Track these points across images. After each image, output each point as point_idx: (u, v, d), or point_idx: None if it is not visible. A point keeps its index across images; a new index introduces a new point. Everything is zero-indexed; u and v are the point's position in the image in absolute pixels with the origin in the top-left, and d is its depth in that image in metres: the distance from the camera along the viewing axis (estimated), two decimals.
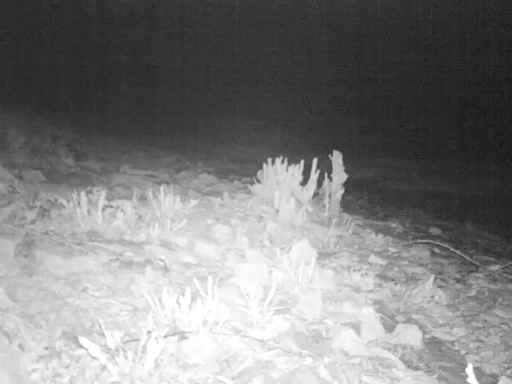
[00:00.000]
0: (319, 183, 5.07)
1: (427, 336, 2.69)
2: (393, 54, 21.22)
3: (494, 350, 2.62)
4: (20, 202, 3.29)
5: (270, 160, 5.07)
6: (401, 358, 2.27)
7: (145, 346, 1.71)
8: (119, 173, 5.75)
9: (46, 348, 1.76)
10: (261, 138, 16.00)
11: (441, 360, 2.42)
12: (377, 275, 3.50)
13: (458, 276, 3.88)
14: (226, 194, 4.86)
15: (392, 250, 4.30)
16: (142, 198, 4.06)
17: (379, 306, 2.96)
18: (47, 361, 1.69)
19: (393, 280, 3.50)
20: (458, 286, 3.62)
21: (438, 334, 2.76)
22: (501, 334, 2.81)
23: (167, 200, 3.78)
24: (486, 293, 3.51)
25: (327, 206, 4.90)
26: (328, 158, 5.08)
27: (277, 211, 4.43)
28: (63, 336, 1.84)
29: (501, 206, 9.33)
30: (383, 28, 21.50)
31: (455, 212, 8.20)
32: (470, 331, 2.84)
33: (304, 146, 13.07)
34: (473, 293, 3.50)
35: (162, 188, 3.86)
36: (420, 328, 2.62)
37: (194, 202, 3.99)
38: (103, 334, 1.80)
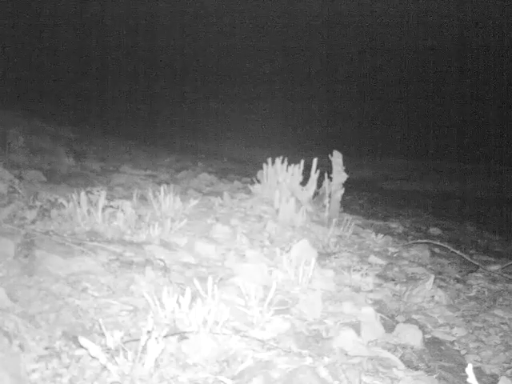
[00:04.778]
0: (319, 183, 5.07)
1: (427, 336, 2.69)
2: (393, 54, 21.22)
3: (493, 350, 2.62)
4: (20, 202, 3.29)
5: (270, 160, 5.07)
6: (401, 358, 2.27)
7: (145, 346, 1.71)
8: (119, 173, 5.75)
9: (46, 348, 1.76)
10: (261, 138, 16.00)
11: (441, 360, 2.42)
12: (377, 275, 3.50)
13: (458, 276, 3.88)
14: (226, 193, 4.86)
15: (392, 249, 4.30)
16: (142, 198, 4.06)
17: (379, 306, 2.96)
18: (47, 361, 1.69)
19: (393, 280, 3.50)
20: (458, 285, 3.62)
21: (438, 334, 2.76)
22: (501, 334, 2.82)
23: (167, 200, 3.78)
24: (486, 293, 3.51)
25: (327, 206, 4.90)
26: (328, 158, 5.08)
27: (277, 211, 4.43)
28: (63, 336, 1.84)
29: (500, 205, 9.32)
30: (384, 28, 21.50)
31: (455, 212, 8.20)
32: (470, 331, 2.84)
33: (304, 146, 13.07)
34: (473, 293, 3.50)
35: (162, 188, 3.86)
36: (420, 328, 2.62)
37: (194, 202, 3.99)
38: (103, 334, 1.80)
